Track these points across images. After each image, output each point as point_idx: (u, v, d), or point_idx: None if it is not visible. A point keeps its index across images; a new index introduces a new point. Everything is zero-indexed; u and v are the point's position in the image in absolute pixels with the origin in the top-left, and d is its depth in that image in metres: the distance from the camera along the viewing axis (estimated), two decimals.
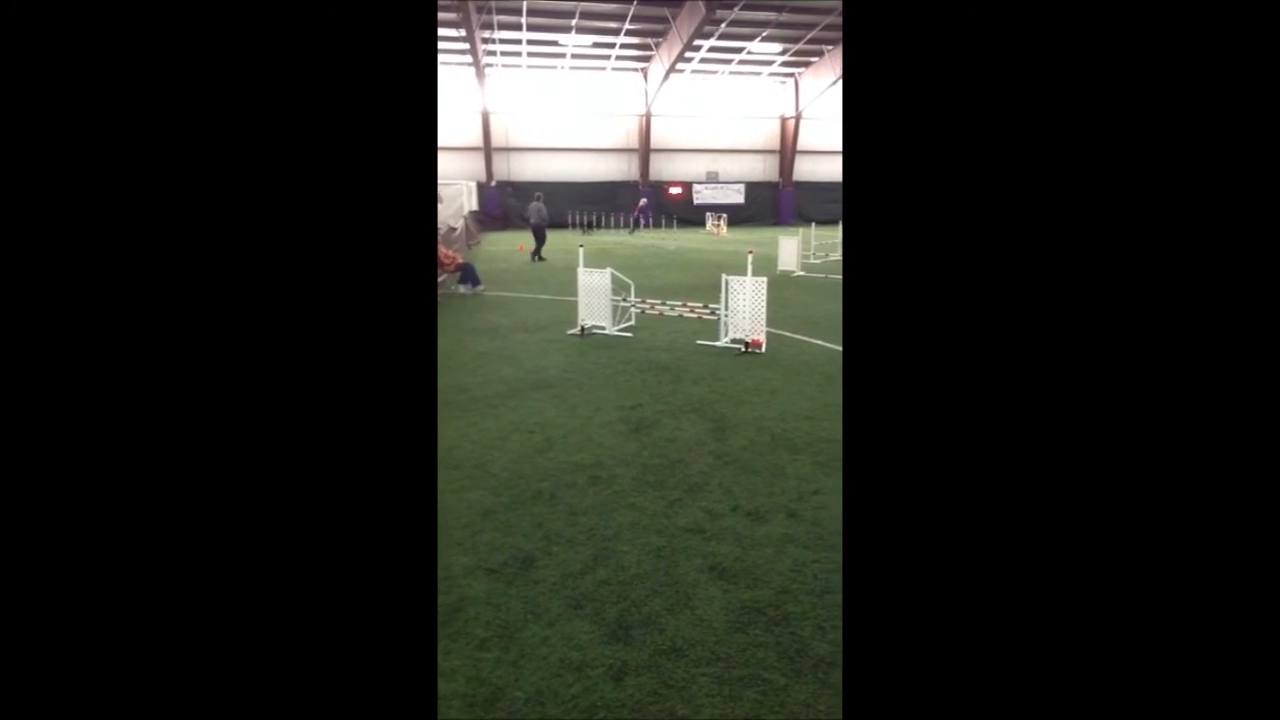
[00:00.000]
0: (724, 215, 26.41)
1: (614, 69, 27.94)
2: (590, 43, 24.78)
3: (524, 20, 22.07)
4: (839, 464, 3.62)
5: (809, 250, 14.72)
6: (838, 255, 14.40)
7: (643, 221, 24.63)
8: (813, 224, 18.00)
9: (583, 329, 7.09)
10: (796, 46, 24.95)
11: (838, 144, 29.44)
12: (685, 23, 21.81)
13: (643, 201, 25.94)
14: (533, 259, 14.83)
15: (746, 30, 23.28)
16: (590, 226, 27.52)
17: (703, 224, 27.56)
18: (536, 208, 15.19)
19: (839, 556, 2.69)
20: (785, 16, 21.91)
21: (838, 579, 2.53)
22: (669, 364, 5.82)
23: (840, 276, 11.40)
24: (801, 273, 12.12)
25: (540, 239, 15.04)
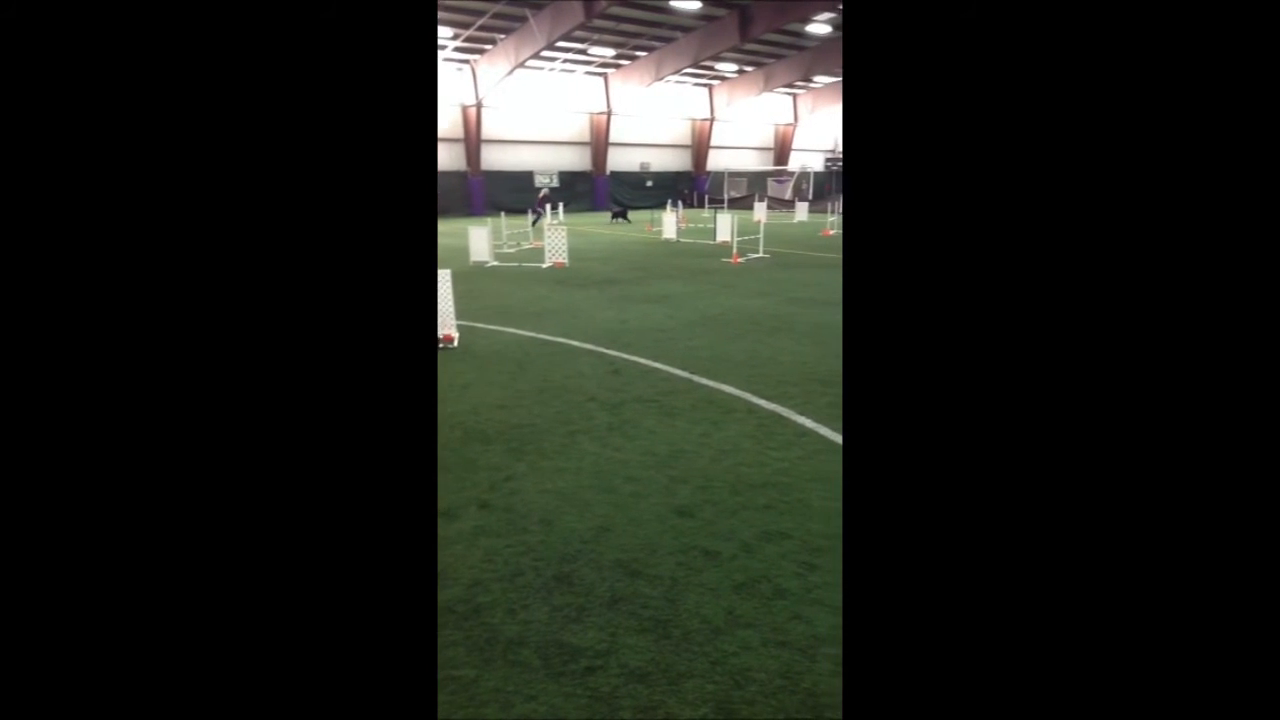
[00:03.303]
0: None
1: None
2: None
3: None
4: (531, 448, 3.74)
5: (501, 240, 14.83)
6: (529, 244, 14.75)
7: (542, 212, 21.11)
8: (502, 213, 18.15)
9: None
10: (468, 33, 24.68)
11: (522, 133, 30.02)
12: None
13: (543, 192, 22.77)
14: None
15: None
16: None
17: None
18: None
19: (530, 538, 2.79)
20: (452, 1, 21.49)
21: (528, 560, 2.62)
22: None
23: (535, 265, 11.74)
24: (495, 263, 12.17)
25: None
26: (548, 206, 18.08)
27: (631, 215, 22.75)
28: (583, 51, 25.66)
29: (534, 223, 18.18)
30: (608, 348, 5.97)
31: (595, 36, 23.87)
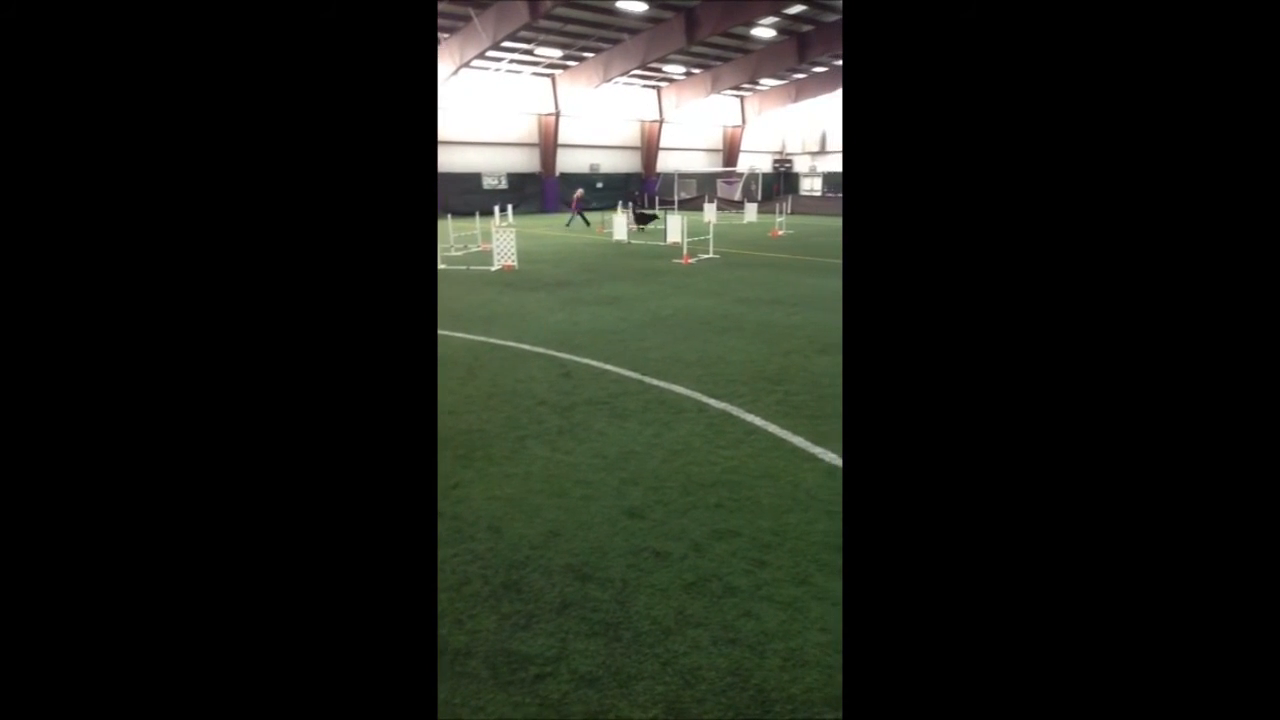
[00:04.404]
0: None
1: None
2: None
3: None
4: (479, 454, 3.68)
5: (449, 242, 14.60)
6: (478, 246, 14.56)
7: (579, 210, 20.79)
8: (449, 215, 17.87)
9: None
10: None
11: (468, 134, 29.62)
12: None
13: (579, 192, 22.02)
14: None
15: None
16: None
17: None
18: None
19: (478, 546, 2.74)
20: None
21: (476, 568, 2.58)
22: None
23: (484, 267, 11.58)
24: (443, 266, 11.97)
25: None
26: (582, 204, 19.26)
27: (585, 215, 22.48)
28: (529, 52, 25.45)
29: (583, 221, 20.26)
30: (558, 350, 5.93)
31: (541, 37, 23.70)
